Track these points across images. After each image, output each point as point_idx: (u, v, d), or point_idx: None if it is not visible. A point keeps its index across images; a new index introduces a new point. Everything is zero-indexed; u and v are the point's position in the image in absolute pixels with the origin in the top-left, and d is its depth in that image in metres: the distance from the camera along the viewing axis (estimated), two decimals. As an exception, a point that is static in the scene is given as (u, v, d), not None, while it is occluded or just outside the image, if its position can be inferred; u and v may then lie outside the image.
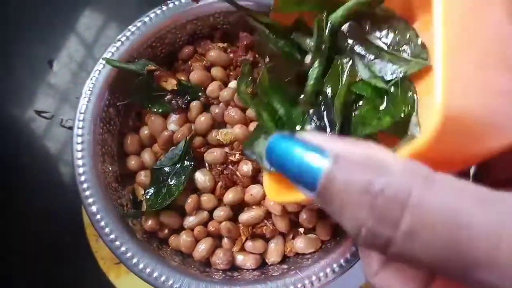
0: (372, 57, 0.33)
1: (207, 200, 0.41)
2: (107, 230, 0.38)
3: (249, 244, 0.40)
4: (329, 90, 0.34)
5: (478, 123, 0.21)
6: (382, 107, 0.32)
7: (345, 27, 0.34)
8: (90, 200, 0.39)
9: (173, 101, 0.42)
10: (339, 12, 0.33)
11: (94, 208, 0.39)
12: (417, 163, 0.19)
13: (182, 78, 0.43)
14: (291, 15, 0.36)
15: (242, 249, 0.41)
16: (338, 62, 0.34)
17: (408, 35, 0.32)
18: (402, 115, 0.29)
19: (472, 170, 0.28)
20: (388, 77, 0.31)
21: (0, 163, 0.58)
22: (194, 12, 0.43)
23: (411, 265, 0.20)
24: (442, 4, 0.20)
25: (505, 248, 0.17)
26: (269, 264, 0.41)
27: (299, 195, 0.28)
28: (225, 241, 0.41)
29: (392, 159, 0.19)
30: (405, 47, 0.31)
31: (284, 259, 0.41)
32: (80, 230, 0.54)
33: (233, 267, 0.41)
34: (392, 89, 0.31)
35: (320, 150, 0.20)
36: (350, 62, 0.34)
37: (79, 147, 0.40)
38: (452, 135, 0.20)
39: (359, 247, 0.27)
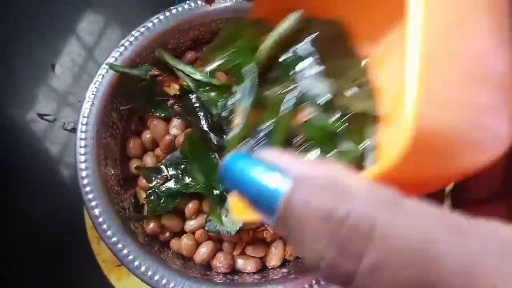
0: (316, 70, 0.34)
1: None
2: (109, 232, 0.39)
3: (249, 248, 0.41)
4: (264, 127, 0.34)
5: (455, 140, 0.19)
6: (333, 152, 0.31)
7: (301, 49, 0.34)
8: (93, 203, 0.39)
9: (175, 106, 0.43)
10: (268, 42, 0.34)
11: (96, 211, 0.39)
12: (383, 188, 0.17)
13: (185, 83, 0.43)
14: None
15: (243, 253, 0.41)
16: (276, 95, 0.34)
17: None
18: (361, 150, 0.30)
19: (448, 188, 0.26)
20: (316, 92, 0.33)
21: (1, 164, 0.58)
22: (197, 18, 0.44)
23: None
24: (422, 18, 0.18)
25: (483, 284, 0.15)
26: (270, 268, 0.41)
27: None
28: (226, 244, 0.41)
29: (356, 183, 0.17)
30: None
31: (284, 263, 0.41)
32: (81, 232, 0.54)
33: (233, 271, 0.41)
34: (340, 128, 0.31)
35: (281, 171, 0.18)
36: (295, 91, 0.34)
37: (82, 150, 0.40)
38: (425, 153, 0.19)
39: None
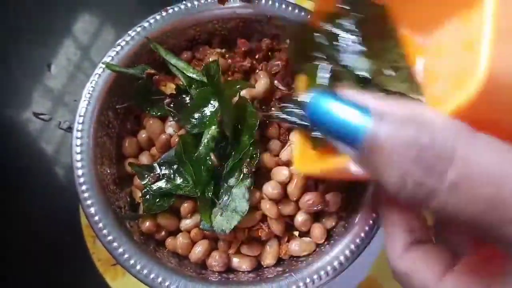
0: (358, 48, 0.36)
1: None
2: (105, 231, 0.39)
3: (244, 247, 0.41)
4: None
5: None
6: None
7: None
8: (89, 201, 0.39)
9: (171, 105, 0.43)
10: None
11: (92, 210, 0.39)
12: (461, 122, 0.20)
13: (181, 83, 0.44)
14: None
15: (238, 252, 0.41)
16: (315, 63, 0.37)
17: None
18: None
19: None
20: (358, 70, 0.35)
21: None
22: (193, 18, 0.44)
23: (451, 219, 0.20)
24: None
25: None
26: (264, 266, 0.41)
27: (328, 164, 0.29)
28: (221, 243, 0.41)
29: (436, 116, 0.20)
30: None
31: (279, 261, 0.41)
32: (78, 231, 0.55)
33: (228, 269, 0.41)
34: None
35: (364, 107, 0.20)
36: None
37: (78, 149, 0.40)
38: (493, 100, 0.21)
39: (386, 229, 0.27)
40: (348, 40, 0.36)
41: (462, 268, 0.24)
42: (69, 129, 0.58)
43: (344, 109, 0.21)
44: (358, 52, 0.36)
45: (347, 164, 0.26)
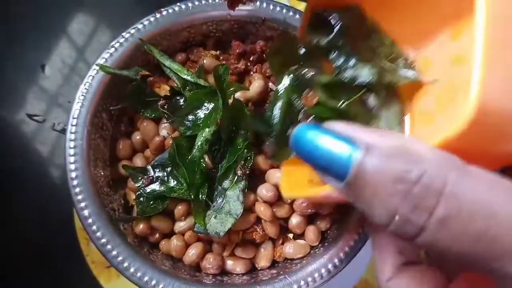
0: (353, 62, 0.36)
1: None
2: (98, 234, 0.39)
3: (239, 249, 0.41)
4: None
5: None
6: None
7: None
8: (82, 204, 0.39)
9: (166, 107, 0.43)
10: None
11: (86, 212, 0.39)
12: (451, 154, 0.19)
13: (175, 84, 0.43)
14: None
15: (232, 254, 0.41)
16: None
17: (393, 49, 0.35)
18: None
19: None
20: (362, 79, 0.35)
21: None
22: (188, 20, 0.44)
23: (439, 254, 0.20)
24: (486, 8, 0.20)
25: None
26: (259, 269, 0.41)
27: (315, 190, 0.29)
28: (215, 246, 0.41)
29: (425, 149, 0.19)
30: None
31: (273, 264, 0.41)
32: (72, 234, 0.54)
33: (223, 272, 0.41)
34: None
35: (350, 140, 0.20)
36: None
37: (71, 151, 0.40)
38: (484, 129, 0.20)
39: (374, 251, 0.27)
40: (337, 54, 0.37)
41: None
42: (63, 130, 0.57)
43: (330, 141, 0.20)
44: (352, 63, 0.36)
45: (334, 192, 0.25)
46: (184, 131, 0.40)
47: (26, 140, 0.59)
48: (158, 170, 0.42)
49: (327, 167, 0.20)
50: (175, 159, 0.40)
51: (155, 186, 0.41)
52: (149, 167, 0.42)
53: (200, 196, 0.39)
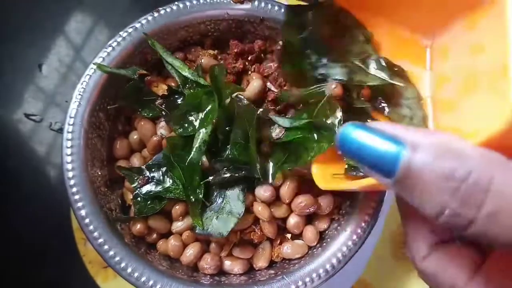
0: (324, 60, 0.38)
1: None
2: (95, 234, 0.39)
3: (237, 249, 0.41)
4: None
5: None
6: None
7: None
8: (79, 204, 0.39)
9: (163, 106, 0.43)
10: None
11: (83, 212, 0.39)
12: (493, 152, 0.20)
13: (172, 84, 0.43)
14: None
15: (230, 254, 0.41)
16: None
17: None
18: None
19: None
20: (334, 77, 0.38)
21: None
22: (185, 19, 0.44)
23: (488, 241, 0.21)
24: None
25: None
26: (257, 269, 0.41)
27: (356, 183, 0.30)
28: (213, 246, 0.41)
29: (470, 147, 0.20)
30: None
31: (271, 264, 0.41)
32: (68, 233, 0.54)
33: (220, 272, 0.41)
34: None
35: (397, 139, 0.21)
36: None
37: (68, 151, 0.40)
38: None
39: (406, 231, 0.28)
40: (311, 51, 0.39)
41: (490, 267, 0.25)
42: (61, 130, 0.58)
43: (377, 140, 0.22)
44: (324, 61, 0.38)
45: (377, 185, 0.26)
46: (182, 132, 0.40)
47: (22, 139, 0.59)
48: (153, 170, 0.41)
49: (374, 165, 0.22)
50: (170, 159, 0.40)
51: (151, 187, 0.41)
52: (144, 167, 0.42)
53: (197, 197, 0.39)
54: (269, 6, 0.44)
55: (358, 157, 0.22)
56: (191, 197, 0.39)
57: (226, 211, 0.39)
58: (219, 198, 0.39)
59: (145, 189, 0.41)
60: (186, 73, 0.42)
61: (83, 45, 0.62)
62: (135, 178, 0.41)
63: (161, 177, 0.41)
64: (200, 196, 0.39)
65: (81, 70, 0.58)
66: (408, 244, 0.27)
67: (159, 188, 0.41)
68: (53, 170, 0.58)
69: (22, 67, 0.62)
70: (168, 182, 0.41)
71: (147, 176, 0.41)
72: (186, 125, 0.40)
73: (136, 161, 0.43)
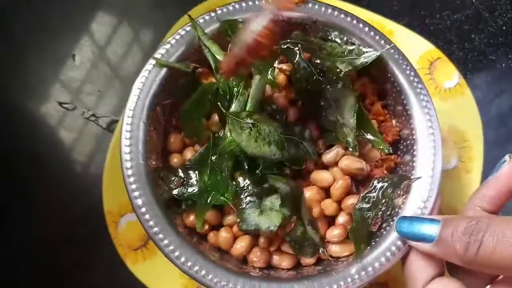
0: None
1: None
2: (151, 223, 0.40)
3: (285, 245, 0.42)
4: None
5: None
6: None
7: None
8: (136, 193, 0.40)
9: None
10: None
11: (139, 201, 0.40)
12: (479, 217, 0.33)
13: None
14: None
15: (278, 249, 0.42)
16: None
17: None
18: None
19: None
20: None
21: (19, 153, 0.59)
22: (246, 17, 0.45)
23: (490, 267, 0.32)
24: None
25: None
26: (304, 265, 0.42)
27: None
28: (262, 240, 0.42)
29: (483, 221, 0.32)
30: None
31: (318, 261, 0.42)
32: (99, 217, 0.55)
33: (269, 266, 0.42)
34: None
35: (431, 220, 0.35)
36: None
37: (127, 142, 0.41)
38: None
39: (406, 270, 0.39)
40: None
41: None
42: (93, 116, 0.59)
43: (420, 224, 0.35)
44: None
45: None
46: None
47: (52, 127, 0.60)
48: (191, 171, 0.43)
49: (419, 239, 0.35)
50: (205, 159, 0.42)
51: (184, 189, 0.43)
52: (180, 168, 0.43)
53: (224, 200, 0.41)
54: (323, 8, 0.46)
55: (409, 236, 0.36)
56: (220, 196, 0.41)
57: (268, 207, 0.40)
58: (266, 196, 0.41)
59: (177, 191, 0.42)
60: (220, 57, 0.44)
61: (108, 40, 0.63)
62: (173, 178, 0.43)
63: (190, 180, 0.43)
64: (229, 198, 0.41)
65: (113, 60, 0.59)
66: (407, 279, 0.38)
67: (193, 189, 0.42)
68: (84, 157, 0.59)
69: (55, 57, 0.62)
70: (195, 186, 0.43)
71: (183, 178, 0.43)
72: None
73: (189, 154, 0.44)
